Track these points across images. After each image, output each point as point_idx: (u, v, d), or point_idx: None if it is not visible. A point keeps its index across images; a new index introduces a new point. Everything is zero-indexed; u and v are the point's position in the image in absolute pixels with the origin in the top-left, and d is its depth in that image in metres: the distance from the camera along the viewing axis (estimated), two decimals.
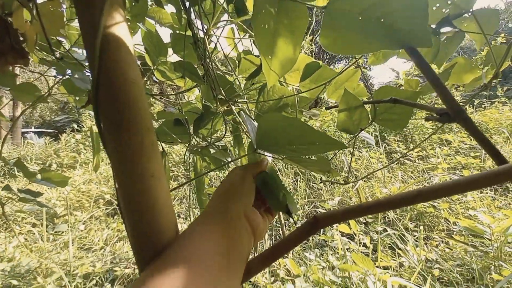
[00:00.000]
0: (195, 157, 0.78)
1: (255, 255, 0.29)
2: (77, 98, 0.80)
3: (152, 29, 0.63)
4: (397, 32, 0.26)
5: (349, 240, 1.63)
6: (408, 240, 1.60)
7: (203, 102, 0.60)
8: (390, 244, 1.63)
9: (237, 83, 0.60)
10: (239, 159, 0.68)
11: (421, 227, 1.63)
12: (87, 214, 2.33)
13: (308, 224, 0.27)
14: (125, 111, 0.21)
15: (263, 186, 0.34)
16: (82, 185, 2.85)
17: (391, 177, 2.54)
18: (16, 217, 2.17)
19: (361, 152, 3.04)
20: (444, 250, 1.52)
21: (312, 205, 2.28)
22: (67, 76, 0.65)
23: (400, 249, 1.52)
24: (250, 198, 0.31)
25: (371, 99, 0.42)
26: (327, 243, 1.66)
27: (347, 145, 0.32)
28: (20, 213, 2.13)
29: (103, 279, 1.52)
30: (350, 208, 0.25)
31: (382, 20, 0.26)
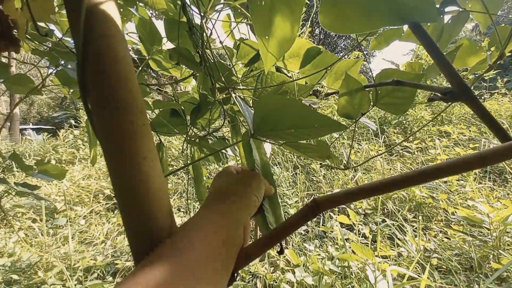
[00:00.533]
0: (192, 148, 0.77)
1: (253, 241, 0.28)
2: (71, 90, 0.79)
3: (145, 16, 0.61)
4: (401, 6, 0.25)
5: (349, 231, 1.64)
6: (407, 231, 1.61)
7: (200, 91, 0.59)
8: (389, 234, 1.64)
9: (234, 71, 0.58)
10: (237, 149, 0.67)
11: (420, 218, 1.64)
12: (87, 209, 2.33)
13: (307, 208, 0.26)
14: (116, 86, 0.20)
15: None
16: (81, 180, 2.84)
17: (390, 169, 2.54)
18: (16, 213, 2.17)
19: (361, 145, 3.04)
20: (443, 240, 1.53)
21: (312, 198, 2.29)
22: (60, 68, 0.63)
23: (399, 239, 1.53)
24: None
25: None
26: (327, 234, 1.67)
27: (348, 130, 0.31)
28: (19, 208, 2.13)
29: (104, 272, 1.53)
30: (351, 190, 0.24)
31: None
